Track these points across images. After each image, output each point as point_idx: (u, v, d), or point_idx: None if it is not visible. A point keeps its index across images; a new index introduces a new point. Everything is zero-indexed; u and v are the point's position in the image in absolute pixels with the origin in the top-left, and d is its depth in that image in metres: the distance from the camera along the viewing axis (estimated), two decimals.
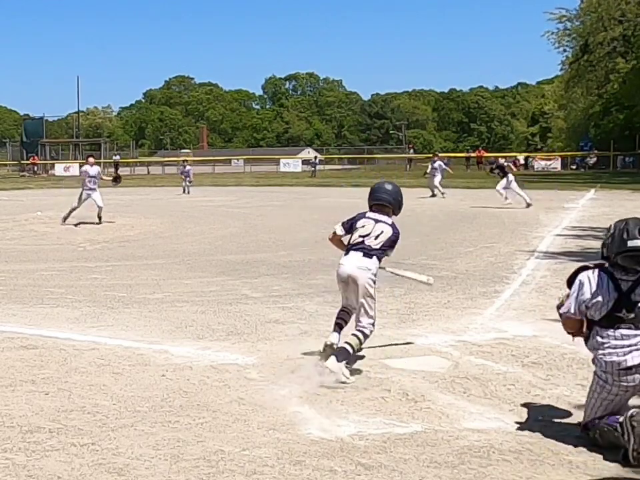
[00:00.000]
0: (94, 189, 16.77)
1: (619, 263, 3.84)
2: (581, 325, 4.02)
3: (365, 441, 4.04)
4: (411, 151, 67.84)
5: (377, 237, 5.39)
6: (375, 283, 5.38)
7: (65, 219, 16.65)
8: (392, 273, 5.84)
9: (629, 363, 3.80)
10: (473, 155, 58.23)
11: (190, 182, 29.96)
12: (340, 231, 5.60)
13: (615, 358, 3.83)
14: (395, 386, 4.98)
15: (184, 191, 29.43)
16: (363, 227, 5.46)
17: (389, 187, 5.65)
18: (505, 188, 20.73)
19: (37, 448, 3.95)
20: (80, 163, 54.78)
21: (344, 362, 5.12)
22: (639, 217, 3.94)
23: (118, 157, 64.25)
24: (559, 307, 4.13)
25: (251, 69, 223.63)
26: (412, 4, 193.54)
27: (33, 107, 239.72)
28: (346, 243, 5.59)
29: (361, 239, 5.41)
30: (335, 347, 5.29)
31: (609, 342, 3.86)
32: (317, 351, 5.56)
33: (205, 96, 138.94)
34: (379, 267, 5.48)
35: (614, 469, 3.71)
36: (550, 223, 16.20)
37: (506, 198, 20.35)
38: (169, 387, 4.98)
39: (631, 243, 3.76)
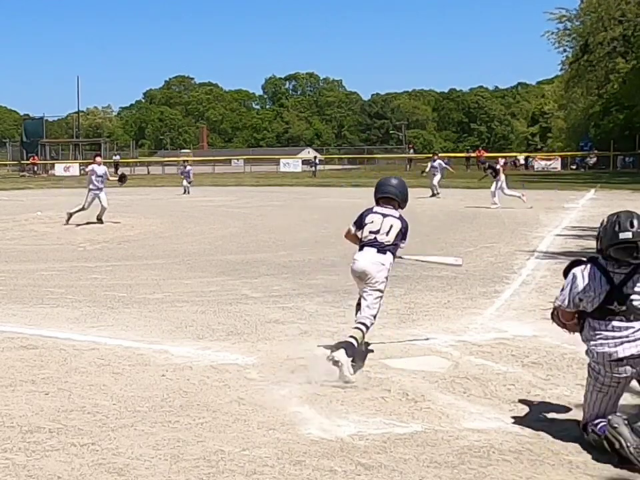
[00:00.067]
0: (101, 189, 16.78)
1: (611, 256, 3.89)
2: (574, 317, 4.08)
3: (365, 440, 4.04)
4: (411, 150, 67.86)
5: (387, 233, 5.53)
6: (387, 279, 5.55)
7: (69, 218, 16.63)
8: (416, 260, 6.01)
9: (620, 355, 3.85)
10: (472, 154, 58.21)
11: (190, 182, 29.97)
12: (353, 229, 5.74)
13: (606, 349, 3.88)
14: (394, 386, 4.98)
15: (185, 191, 29.44)
16: (372, 222, 5.59)
17: (394, 181, 5.84)
18: (497, 189, 20.79)
19: (37, 448, 3.95)
20: (80, 162, 55.10)
21: (351, 358, 5.14)
22: (630, 210, 4.00)
23: (118, 157, 64.27)
24: (554, 312, 4.18)
25: (251, 68, 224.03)
26: (412, 4, 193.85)
27: (33, 107, 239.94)
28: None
29: (372, 236, 5.55)
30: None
31: (600, 333, 3.91)
32: (317, 351, 5.57)
33: (205, 96, 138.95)
34: (399, 258, 5.67)
35: (614, 469, 3.71)
36: (550, 223, 16.21)
37: (494, 203, 20.28)
38: (169, 387, 4.98)
39: (622, 235, 3.81)
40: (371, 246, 5.52)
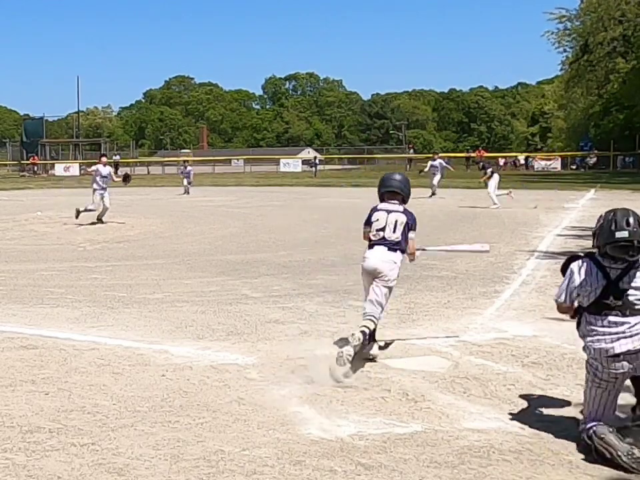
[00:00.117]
0: (105, 189, 16.77)
1: (608, 253, 3.95)
2: (570, 311, 4.16)
3: (365, 440, 4.05)
4: (411, 150, 67.83)
5: (394, 229, 5.63)
6: (398, 276, 5.66)
7: (78, 215, 16.61)
8: (441, 250, 6.15)
9: (617, 350, 3.87)
10: (473, 154, 58.24)
11: (190, 182, 29.95)
12: (366, 229, 5.83)
13: (603, 345, 3.91)
14: (395, 386, 4.98)
15: (185, 192, 29.43)
16: (377, 220, 5.71)
17: (397, 176, 6.00)
18: (494, 190, 20.81)
19: (37, 448, 3.95)
20: (80, 163, 55.10)
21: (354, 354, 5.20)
22: (626, 208, 4.04)
23: (118, 156, 64.23)
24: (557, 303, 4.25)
25: (251, 68, 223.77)
26: (412, 4, 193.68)
27: (33, 107, 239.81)
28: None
29: (380, 234, 5.65)
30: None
31: (596, 329, 3.95)
32: (317, 351, 5.57)
33: (205, 96, 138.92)
34: (422, 250, 5.86)
35: (614, 468, 3.72)
36: (550, 223, 16.21)
37: (494, 203, 20.33)
38: (169, 387, 4.98)
39: (618, 234, 3.87)
40: (381, 244, 5.62)
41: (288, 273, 9.88)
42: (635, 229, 3.84)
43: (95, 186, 16.83)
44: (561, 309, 4.21)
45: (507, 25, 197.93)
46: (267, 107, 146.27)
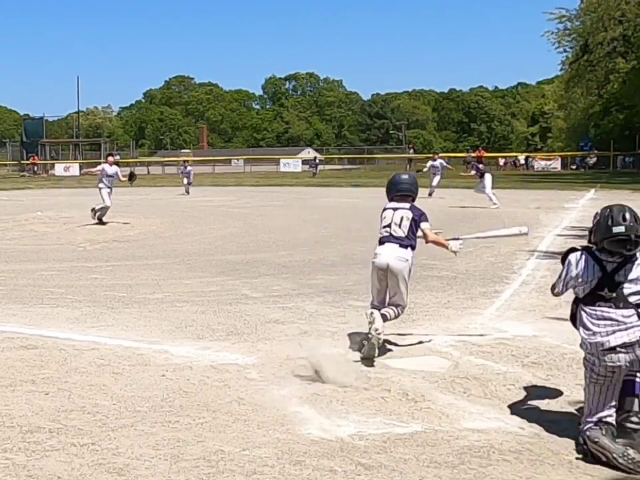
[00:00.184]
0: (110, 188, 16.75)
1: (605, 247, 4.04)
2: (571, 305, 4.23)
3: (365, 440, 4.05)
4: (411, 150, 67.78)
5: (400, 225, 5.69)
6: (410, 271, 5.73)
7: (94, 215, 16.56)
8: (476, 238, 6.28)
9: (612, 343, 3.90)
10: (473, 154, 58.21)
11: (190, 182, 29.94)
12: None
13: (598, 339, 3.94)
14: (395, 386, 4.98)
15: (185, 191, 29.41)
16: (384, 218, 5.81)
17: (406, 177, 6.09)
18: (490, 189, 20.83)
19: (37, 448, 3.95)
20: (80, 163, 55.09)
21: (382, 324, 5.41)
22: (622, 204, 4.16)
23: (118, 156, 64.10)
24: (553, 288, 4.39)
25: (251, 68, 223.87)
26: (412, 4, 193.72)
27: (33, 107, 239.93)
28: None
29: (386, 231, 5.73)
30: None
31: (590, 321, 3.99)
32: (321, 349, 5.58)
33: (205, 96, 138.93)
34: (455, 239, 5.94)
35: (614, 469, 3.72)
36: (550, 223, 16.20)
37: (494, 203, 20.34)
38: (169, 387, 4.98)
39: (615, 229, 3.97)
40: (392, 242, 5.67)
41: (288, 273, 9.88)
42: (631, 224, 3.94)
43: (100, 185, 16.81)
44: (554, 293, 4.38)
45: (507, 25, 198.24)
46: (267, 107, 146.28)
